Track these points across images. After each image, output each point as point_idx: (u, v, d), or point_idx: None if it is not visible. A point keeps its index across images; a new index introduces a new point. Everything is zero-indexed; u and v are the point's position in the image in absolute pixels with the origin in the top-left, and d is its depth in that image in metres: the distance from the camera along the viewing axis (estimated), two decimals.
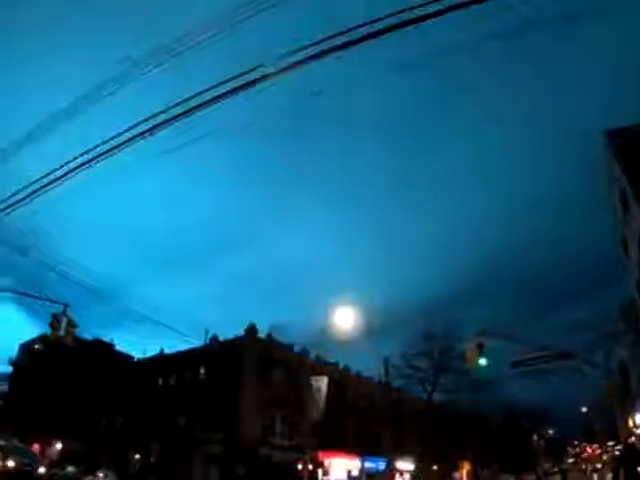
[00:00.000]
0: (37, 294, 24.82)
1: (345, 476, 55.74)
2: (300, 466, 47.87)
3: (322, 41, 9.77)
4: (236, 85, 10.79)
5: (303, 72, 10.35)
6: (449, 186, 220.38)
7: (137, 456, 58.54)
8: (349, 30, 9.63)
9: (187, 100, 11.60)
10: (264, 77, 10.44)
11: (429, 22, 9.39)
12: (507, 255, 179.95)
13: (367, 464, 58.08)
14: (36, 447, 72.25)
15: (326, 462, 51.79)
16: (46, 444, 73.13)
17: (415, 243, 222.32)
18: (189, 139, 13.81)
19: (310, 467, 47.97)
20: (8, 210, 17.96)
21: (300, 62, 9.95)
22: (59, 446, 71.97)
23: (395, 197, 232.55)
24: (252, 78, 10.56)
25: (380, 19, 9.46)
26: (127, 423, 63.31)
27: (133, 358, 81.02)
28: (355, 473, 57.36)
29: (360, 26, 9.60)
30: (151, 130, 12.60)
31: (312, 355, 54.81)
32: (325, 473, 51.53)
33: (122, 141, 13.21)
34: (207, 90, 11.28)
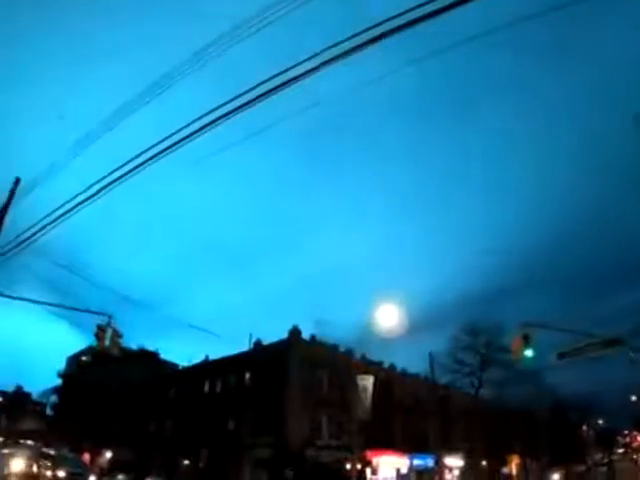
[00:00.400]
0: (82, 307, 25.16)
1: (394, 474, 55.41)
2: (348, 466, 47.69)
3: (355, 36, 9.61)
4: (271, 87, 10.72)
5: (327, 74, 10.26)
6: (492, 173, 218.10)
7: (186, 462, 59.05)
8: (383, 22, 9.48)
9: (228, 102, 11.51)
10: (297, 77, 10.31)
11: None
12: (552, 244, 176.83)
13: (415, 461, 57.64)
14: (86, 456, 73.39)
15: (374, 461, 51.51)
16: (96, 453, 74.21)
17: (458, 236, 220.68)
18: (227, 144, 13.86)
19: (358, 467, 47.72)
20: (51, 226, 18.31)
21: (333, 59, 9.79)
22: (109, 455, 72.94)
23: (437, 188, 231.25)
24: (286, 79, 10.46)
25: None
26: (175, 430, 64.00)
27: (178, 366, 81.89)
28: (404, 471, 56.97)
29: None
30: (189, 137, 12.57)
31: (357, 355, 54.66)
32: (374, 472, 51.27)
33: (161, 149, 13.25)
34: (242, 94, 11.22)
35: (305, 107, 13.14)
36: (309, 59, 9.99)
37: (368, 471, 50.16)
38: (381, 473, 52.74)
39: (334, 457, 47.96)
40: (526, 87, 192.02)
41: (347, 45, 9.70)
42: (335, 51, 9.73)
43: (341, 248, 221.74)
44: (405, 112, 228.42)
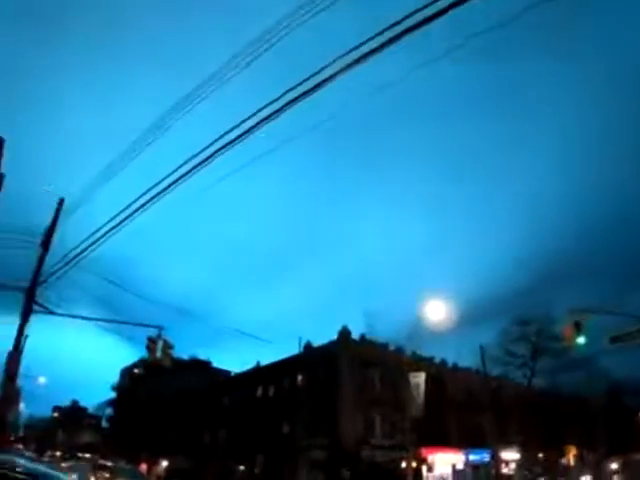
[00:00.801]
0: (133, 321, 25.50)
1: (450, 471, 54.91)
2: (404, 464, 47.42)
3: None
4: (305, 89, 10.62)
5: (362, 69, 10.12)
6: (537, 159, 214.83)
7: (242, 468, 59.43)
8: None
9: (266, 106, 11.44)
10: (330, 77, 10.18)
11: None
12: (600, 228, 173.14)
13: (471, 457, 57.05)
14: (143, 467, 74.55)
15: (429, 458, 51.05)
16: (153, 463, 75.31)
17: (503, 226, 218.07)
18: (264, 150, 13.83)
19: (414, 465, 47.41)
20: (98, 242, 18.60)
21: (365, 55, 9.65)
22: (165, 464, 73.92)
23: (480, 179, 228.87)
24: (319, 80, 10.35)
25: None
26: (230, 436, 64.52)
27: (230, 374, 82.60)
28: (460, 467, 56.43)
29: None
30: (229, 144, 12.55)
31: (408, 351, 54.32)
32: (429, 469, 50.80)
33: (198, 162, 13.26)
34: (277, 99, 11.14)
35: (338, 107, 13.01)
36: (336, 60, 9.85)
37: (424, 469, 49.75)
38: (437, 470, 52.28)
39: (389, 456, 47.78)
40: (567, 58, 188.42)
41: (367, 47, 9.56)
42: (356, 53, 9.59)
43: (386, 245, 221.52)
44: (438, 107, 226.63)
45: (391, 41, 9.30)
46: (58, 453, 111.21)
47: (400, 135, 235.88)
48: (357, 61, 9.74)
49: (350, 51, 9.70)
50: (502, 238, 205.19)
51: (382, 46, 9.38)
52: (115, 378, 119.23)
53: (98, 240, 18.36)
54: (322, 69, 10.09)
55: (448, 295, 29.17)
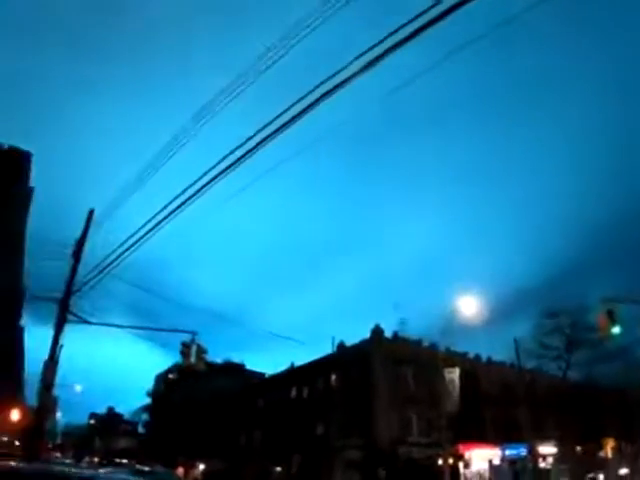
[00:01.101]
0: (166, 327, 25.72)
1: (487, 467, 54.43)
2: (440, 461, 47.12)
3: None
4: (326, 90, 10.51)
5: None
6: (562, 154, 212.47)
7: (278, 469, 59.59)
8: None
9: (289, 109, 11.36)
10: (350, 77, 10.08)
11: None
12: (629, 218, 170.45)
13: (508, 452, 56.42)
14: (180, 470, 75.17)
15: (466, 454, 50.78)
16: (189, 466, 75.88)
17: (533, 219, 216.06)
18: (295, 150, 13.76)
19: (450, 461, 47.11)
20: (129, 251, 18.71)
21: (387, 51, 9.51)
22: (202, 467, 74.42)
23: (513, 172, 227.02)
24: (340, 80, 10.25)
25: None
26: (265, 438, 64.85)
27: (264, 376, 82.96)
28: (496, 462, 55.90)
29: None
30: (251, 151, 12.50)
31: (441, 347, 53.98)
32: (466, 466, 50.53)
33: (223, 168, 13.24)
34: (299, 100, 11.05)
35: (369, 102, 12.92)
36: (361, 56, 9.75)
37: (460, 465, 49.45)
38: (474, 466, 51.92)
39: (425, 454, 47.51)
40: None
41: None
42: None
43: (417, 243, 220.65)
44: (476, 97, 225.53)
45: (406, 40, 9.17)
46: (95, 459, 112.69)
47: (426, 135, 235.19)
48: (376, 59, 9.61)
49: (369, 50, 9.59)
50: (533, 231, 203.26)
51: (398, 45, 9.26)
52: (150, 384, 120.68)
53: (130, 248, 18.49)
54: (340, 71, 10.01)
55: (480, 290, 29.05)
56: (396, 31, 9.20)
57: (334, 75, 10.11)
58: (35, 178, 36.81)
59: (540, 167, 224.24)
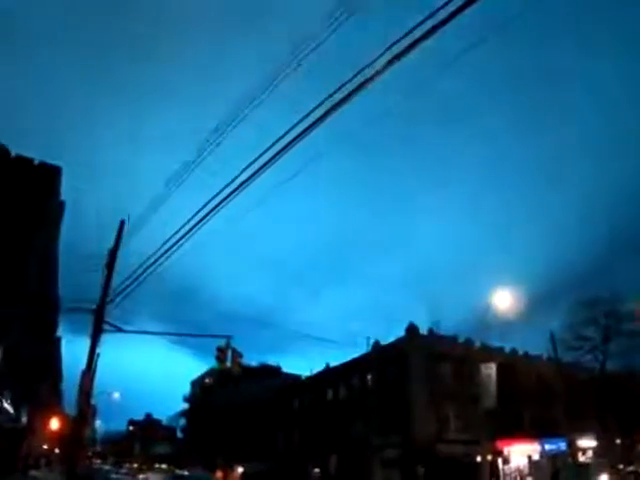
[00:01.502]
0: (201, 333, 25.96)
1: (526, 462, 53.88)
2: (479, 458, 46.80)
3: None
4: (348, 91, 10.45)
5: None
6: (595, 143, 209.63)
7: (316, 470, 59.68)
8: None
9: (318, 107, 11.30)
10: (373, 76, 10.01)
11: None
12: None
13: (547, 446, 55.80)
14: (219, 474, 75.73)
15: (505, 450, 50.28)
16: (228, 469, 76.31)
17: (569, 207, 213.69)
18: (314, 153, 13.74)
19: (489, 458, 46.77)
20: (163, 258, 18.85)
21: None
22: (241, 470, 74.79)
23: (547, 163, 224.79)
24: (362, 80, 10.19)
25: None
26: (303, 439, 65.03)
27: (300, 377, 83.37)
28: (536, 457, 55.29)
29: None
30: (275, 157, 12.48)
31: (477, 343, 53.65)
32: (505, 462, 50.03)
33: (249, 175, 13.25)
34: (320, 104, 11.01)
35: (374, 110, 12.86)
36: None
37: (499, 461, 49.03)
38: (513, 462, 51.44)
39: (464, 451, 47.16)
40: None
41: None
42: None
43: (449, 239, 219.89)
44: (507, 88, 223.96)
45: (425, 36, 9.10)
46: (135, 465, 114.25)
47: (456, 128, 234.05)
48: (403, 52, 9.51)
49: (393, 44, 9.52)
50: (566, 221, 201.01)
51: (419, 41, 9.19)
52: (186, 389, 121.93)
53: (162, 256, 18.62)
54: (368, 65, 9.96)
55: (514, 283, 28.80)
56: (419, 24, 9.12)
57: (358, 73, 10.07)
58: (66, 192, 37.42)
59: (572, 157, 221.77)
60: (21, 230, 31.30)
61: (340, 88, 10.46)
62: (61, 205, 39.52)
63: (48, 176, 34.30)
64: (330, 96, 10.72)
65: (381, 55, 9.65)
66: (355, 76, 10.14)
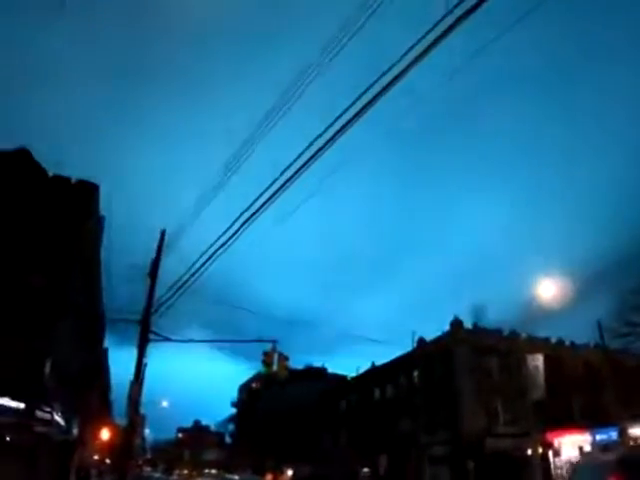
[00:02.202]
0: (245, 338, 26.14)
1: (577, 453, 52.98)
2: (529, 451, 46.21)
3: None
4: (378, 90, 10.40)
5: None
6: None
7: (365, 470, 59.65)
8: None
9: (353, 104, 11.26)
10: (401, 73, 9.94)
11: None
12: None
13: (598, 436, 54.77)
14: (269, 477, 76.24)
15: (555, 442, 49.52)
16: (278, 472, 76.78)
17: (612, 190, 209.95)
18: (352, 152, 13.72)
19: (540, 450, 46.13)
20: (205, 266, 19.01)
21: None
22: (290, 472, 75.18)
23: (582, 151, 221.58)
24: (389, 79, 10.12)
25: None
26: (351, 439, 65.12)
27: (346, 378, 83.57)
28: (587, 448, 54.33)
29: None
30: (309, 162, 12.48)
31: (523, 335, 53.04)
32: (556, 454, 49.26)
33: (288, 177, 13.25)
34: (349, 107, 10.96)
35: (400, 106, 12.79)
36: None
37: (550, 454, 48.31)
38: (564, 454, 50.62)
39: (513, 444, 46.66)
40: None
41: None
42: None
43: (488, 231, 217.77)
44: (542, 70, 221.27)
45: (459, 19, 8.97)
46: (185, 471, 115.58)
47: (494, 121, 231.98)
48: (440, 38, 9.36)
49: (427, 33, 9.44)
50: (609, 206, 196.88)
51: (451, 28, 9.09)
52: (234, 395, 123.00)
53: (205, 264, 18.77)
54: (394, 65, 9.91)
55: (558, 272, 28.45)
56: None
57: (388, 70, 10.02)
58: (105, 206, 38.10)
59: (613, 140, 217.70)
60: (63, 246, 31.94)
61: (373, 84, 10.44)
62: (101, 220, 40.26)
63: (86, 193, 34.95)
64: (366, 91, 10.66)
65: (423, 36, 9.56)
66: (389, 69, 10.08)
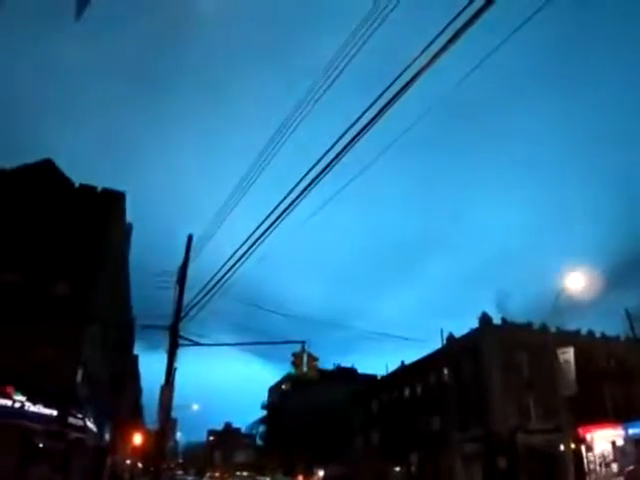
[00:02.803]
0: (274, 340, 26.19)
1: (610, 448, 52.35)
2: (562, 447, 45.78)
3: None
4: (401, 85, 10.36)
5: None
6: None
7: (397, 469, 59.57)
8: None
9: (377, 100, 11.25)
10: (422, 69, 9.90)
11: None
12: None
13: (631, 430, 54.09)
14: (300, 478, 76.43)
15: (588, 437, 49.04)
16: (309, 473, 76.98)
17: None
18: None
19: (572, 446, 45.66)
20: (234, 269, 19.11)
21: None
22: (321, 473, 75.35)
23: (610, 136, 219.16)
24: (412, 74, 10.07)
25: None
26: (382, 438, 65.07)
27: (376, 377, 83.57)
28: (620, 442, 53.66)
29: None
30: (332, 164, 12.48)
31: (552, 328, 52.59)
32: (588, 449, 48.78)
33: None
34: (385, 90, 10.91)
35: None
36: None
37: (582, 449, 47.84)
38: (596, 448, 50.08)
39: (545, 440, 46.27)
40: None
41: None
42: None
43: (513, 226, 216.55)
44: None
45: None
46: (217, 474, 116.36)
47: (510, 111, 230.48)
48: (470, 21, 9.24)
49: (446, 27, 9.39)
50: (634, 197, 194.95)
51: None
52: (264, 397, 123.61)
53: (232, 268, 18.79)
54: (413, 62, 9.86)
55: (586, 263, 28.24)
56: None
57: (406, 69, 9.98)
58: (132, 214, 38.62)
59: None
60: (90, 255, 32.42)
61: (395, 81, 10.43)
62: (128, 228, 40.80)
63: (113, 201, 35.46)
64: (390, 85, 10.62)
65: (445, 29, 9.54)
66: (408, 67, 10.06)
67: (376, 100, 10.50)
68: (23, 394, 25.90)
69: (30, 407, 25.99)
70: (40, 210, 32.35)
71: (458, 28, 8.66)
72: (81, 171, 35.84)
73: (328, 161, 12.48)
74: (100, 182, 35.25)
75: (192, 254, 24.10)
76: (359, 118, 11.26)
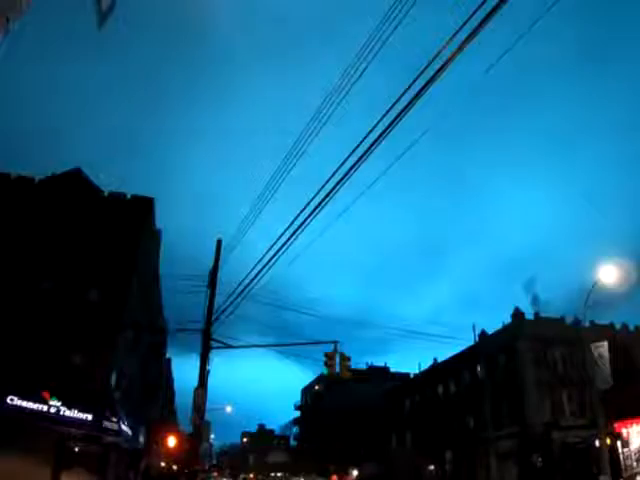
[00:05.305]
0: (307, 340, 26.39)
1: None
2: (597, 442, 45.20)
3: None
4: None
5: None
6: None
7: (431, 467, 59.36)
8: None
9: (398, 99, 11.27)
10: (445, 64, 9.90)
11: None
12: None
13: None
14: (334, 478, 76.47)
15: (624, 432, 48.31)
16: (343, 473, 76.98)
17: None
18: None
19: (608, 441, 45.02)
20: (264, 271, 19.26)
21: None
22: (355, 473, 75.33)
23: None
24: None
25: None
26: (416, 437, 64.86)
27: (409, 375, 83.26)
28: None
29: None
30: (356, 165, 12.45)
31: (585, 322, 51.92)
32: (625, 444, 48.05)
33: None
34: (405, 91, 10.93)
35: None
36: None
37: (618, 444, 47.15)
38: (633, 444, 49.33)
39: (580, 436, 45.74)
40: None
41: None
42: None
43: (543, 220, 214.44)
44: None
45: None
46: (251, 475, 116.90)
47: (528, 105, 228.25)
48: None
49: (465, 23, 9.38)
50: None
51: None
52: (297, 398, 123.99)
53: (261, 270, 18.93)
54: (435, 58, 9.89)
55: (619, 255, 27.89)
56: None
57: (428, 65, 9.99)
58: (161, 220, 39.08)
59: None
60: (120, 261, 32.89)
61: (415, 80, 10.44)
62: (158, 233, 41.29)
63: (142, 208, 35.91)
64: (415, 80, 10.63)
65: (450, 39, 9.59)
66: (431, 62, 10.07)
67: (407, 89, 10.53)
68: (59, 399, 26.39)
69: (65, 412, 26.45)
70: (71, 218, 32.89)
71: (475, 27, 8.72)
72: (104, 179, 36.34)
73: (359, 155, 12.44)
74: (135, 189, 35.73)
75: (222, 258, 24.37)
76: (388, 111, 11.24)
